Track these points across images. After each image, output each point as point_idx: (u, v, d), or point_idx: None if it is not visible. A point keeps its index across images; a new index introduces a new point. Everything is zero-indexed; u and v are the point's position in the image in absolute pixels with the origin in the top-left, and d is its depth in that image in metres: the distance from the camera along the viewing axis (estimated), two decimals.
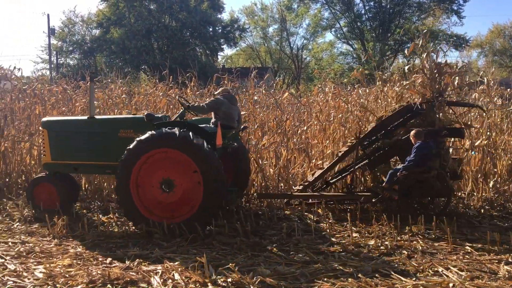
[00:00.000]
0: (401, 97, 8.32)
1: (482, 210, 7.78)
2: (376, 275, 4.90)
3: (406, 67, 8.41)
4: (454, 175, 7.43)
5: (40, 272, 4.94)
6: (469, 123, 8.64)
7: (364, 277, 4.76)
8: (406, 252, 5.67)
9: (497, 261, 5.36)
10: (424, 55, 7.75)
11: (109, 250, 5.78)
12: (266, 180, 8.69)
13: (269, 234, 6.54)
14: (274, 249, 5.84)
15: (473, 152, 8.40)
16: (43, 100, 10.78)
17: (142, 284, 4.63)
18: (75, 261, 5.28)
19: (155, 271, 4.90)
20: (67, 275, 4.83)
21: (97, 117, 7.52)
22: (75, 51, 44.79)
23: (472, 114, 8.84)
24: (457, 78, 8.09)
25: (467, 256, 5.56)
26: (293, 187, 8.46)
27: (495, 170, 8.47)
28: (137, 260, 5.27)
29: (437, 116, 7.35)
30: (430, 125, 7.36)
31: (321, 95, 10.79)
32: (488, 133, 8.52)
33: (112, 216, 7.14)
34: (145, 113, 6.90)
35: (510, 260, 5.38)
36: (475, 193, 8.35)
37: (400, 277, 4.82)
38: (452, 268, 5.10)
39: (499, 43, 58.07)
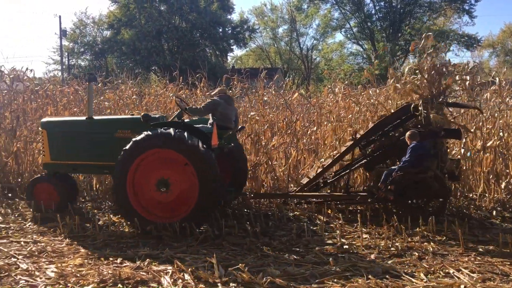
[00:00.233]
0: (401, 96, 8.27)
1: (494, 212, 7.70)
2: (387, 276, 4.87)
3: (407, 67, 8.36)
4: (452, 176, 7.40)
5: (52, 271, 4.98)
6: (480, 124, 8.57)
7: (374, 279, 4.74)
8: (417, 254, 5.63)
9: (509, 263, 5.31)
10: (425, 55, 7.70)
11: (120, 250, 5.82)
12: (276, 181, 8.69)
13: (278, 234, 6.53)
14: (284, 249, 5.84)
15: (468, 154, 8.35)
16: (55, 101, 10.89)
17: (152, 284, 4.66)
18: (86, 260, 5.32)
19: (165, 271, 4.93)
20: (78, 275, 4.87)
21: (95, 117, 7.60)
22: (86, 52, 45.20)
23: (484, 115, 8.76)
24: (468, 78, 8.03)
25: (478, 258, 5.52)
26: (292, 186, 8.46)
27: (507, 171, 8.40)
28: (147, 260, 5.29)
29: (435, 116, 7.31)
30: (427, 126, 7.34)
31: (331, 96, 10.77)
32: (500, 133, 8.44)
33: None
34: (142, 114, 6.98)
35: None
36: (486, 194, 8.28)
37: (410, 278, 4.79)
38: (463, 270, 5.06)
39: (511, 43, 57.55)
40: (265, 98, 10.49)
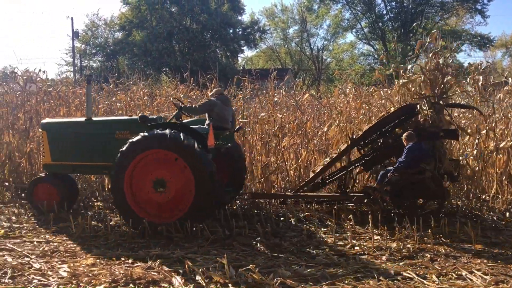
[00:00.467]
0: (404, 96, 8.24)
1: (507, 214, 7.61)
2: (398, 278, 4.85)
3: (409, 66, 8.31)
4: (451, 177, 7.37)
5: (64, 271, 5.03)
6: (493, 124, 8.48)
7: (385, 280, 4.72)
8: (429, 255, 5.59)
9: None
10: (430, 55, 7.64)
11: (131, 250, 5.85)
12: (287, 182, 8.68)
13: (289, 235, 6.53)
14: (295, 250, 5.83)
15: (466, 154, 8.28)
16: (67, 102, 10.99)
17: (163, 284, 4.68)
18: (98, 260, 5.36)
19: (176, 271, 4.95)
20: (90, 274, 4.91)
21: (94, 118, 7.69)
22: (98, 54, 45.56)
23: (496, 115, 8.67)
24: (481, 78, 7.96)
25: (491, 260, 5.46)
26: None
27: None
28: (158, 260, 5.32)
29: (435, 117, 7.27)
30: (427, 126, 7.31)
31: (341, 96, 10.73)
32: None
33: None
34: (139, 115, 7.03)
35: None
36: (499, 196, 8.19)
37: (422, 280, 4.76)
38: (476, 272, 5.01)
39: None
40: (276, 99, 10.49)
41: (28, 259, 5.48)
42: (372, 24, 48.94)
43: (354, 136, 7.76)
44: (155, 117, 7.36)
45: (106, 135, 7.19)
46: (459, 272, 5.02)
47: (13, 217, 7.51)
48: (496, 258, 5.54)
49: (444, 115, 7.52)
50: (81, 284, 4.70)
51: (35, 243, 6.20)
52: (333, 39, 54.20)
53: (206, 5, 41.72)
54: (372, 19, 48.62)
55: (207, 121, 7.22)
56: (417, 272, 4.99)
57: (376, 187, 7.18)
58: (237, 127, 8.06)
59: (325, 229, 6.82)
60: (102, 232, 6.54)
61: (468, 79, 8.76)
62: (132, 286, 4.64)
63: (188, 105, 7.70)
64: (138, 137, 6.33)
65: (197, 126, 7.11)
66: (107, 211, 8.13)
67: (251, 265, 4.88)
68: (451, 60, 7.64)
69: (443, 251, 5.75)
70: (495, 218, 7.43)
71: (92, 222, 6.87)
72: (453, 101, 8.14)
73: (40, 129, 8.06)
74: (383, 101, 9.22)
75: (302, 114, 10.07)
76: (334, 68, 49.82)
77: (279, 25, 55.12)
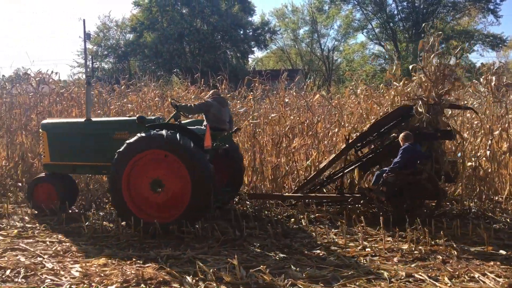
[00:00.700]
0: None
1: None
2: (410, 280, 4.82)
3: (410, 66, 8.26)
4: (448, 178, 7.35)
5: (77, 271, 5.07)
6: (506, 125, 8.39)
7: (397, 282, 4.69)
8: (441, 257, 5.54)
9: None
10: (432, 56, 7.58)
11: (143, 250, 5.88)
12: (298, 183, 8.66)
13: (300, 236, 6.52)
14: (305, 251, 5.82)
15: (458, 154, 8.21)
16: (80, 103, 11.08)
17: (174, 284, 4.70)
18: (110, 260, 5.40)
19: (187, 272, 4.96)
20: (102, 274, 4.95)
21: (93, 119, 7.77)
22: (110, 55, 45.90)
23: (510, 116, 8.58)
24: (493, 78, 7.88)
25: (504, 262, 5.39)
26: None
27: None
28: (169, 260, 5.35)
29: (432, 118, 7.24)
30: (426, 127, 7.30)
31: (352, 97, 10.69)
32: None
33: None
34: (137, 116, 7.10)
35: None
36: None
37: (434, 282, 4.72)
38: (489, 274, 4.96)
39: None
40: (286, 100, 10.48)
41: (41, 259, 5.54)
42: (383, 24, 48.68)
43: (348, 139, 7.80)
44: (153, 118, 7.43)
45: (105, 135, 7.28)
46: (472, 274, 4.97)
47: (26, 217, 7.58)
48: (509, 260, 5.47)
49: (441, 116, 7.50)
50: (93, 284, 4.74)
51: (47, 243, 6.26)
52: (344, 39, 54.06)
53: (217, 6, 41.84)
54: (383, 19, 48.36)
55: (205, 122, 7.28)
56: (429, 274, 4.95)
57: (372, 188, 7.21)
58: (235, 128, 8.12)
59: (336, 231, 6.80)
60: (114, 233, 6.59)
61: (481, 80, 8.69)
62: (144, 286, 4.67)
63: (184, 104, 7.76)
64: (135, 138, 6.40)
65: (195, 127, 7.17)
66: None
67: (261, 266, 4.89)
68: (452, 61, 7.60)
69: (455, 253, 5.69)
70: (508, 220, 7.34)
71: (104, 222, 6.91)
72: (455, 102, 8.10)
73: (40, 130, 8.16)
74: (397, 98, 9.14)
75: (312, 115, 10.05)
76: (345, 69, 49.64)
77: (289, 25, 55.07)
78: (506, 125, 8.41)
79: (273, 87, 11.49)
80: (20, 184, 9.80)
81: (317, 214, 7.70)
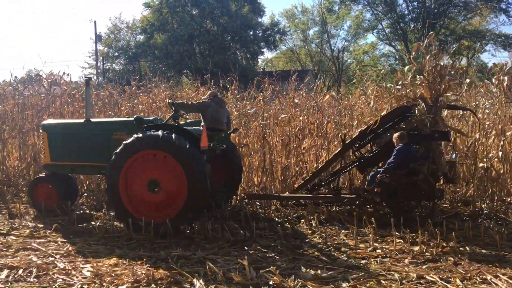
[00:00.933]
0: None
1: None
2: (421, 281, 4.79)
3: (406, 68, 8.21)
4: (446, 178, 7.33)
5: (88, 270, 5.11)
6: None
7: (408, 284, 4.66)
8: (452, 259, 5.50)
9: None
10: (428, 57, 7.52)
11: (153, 250, 5.91)
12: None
13: (310, 237, 6.50)
14: (315, 252, 5.80)
15: (453, 156, 8.13)
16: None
17: (185, 284, 4.71)
18: (121, 260, 5.43)
19: (197, 272, 4.98)
20: (113, 274, 4.98)
21: (92, 120, 7.84)
22: (121, 57, 46.11)
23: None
24: (506, 78, 7.80)
25: None
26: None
27: None
28: (180, 261, 5.37)
29: (431, 118, 7.18)
30: (424, 128, 7.26)
31: (362, 98, 10.64)
32: None
33: None
34: (135, 116, 7.16)
35: None
36: None
37: (446, 284, 4.69)
38: (501, 276, 4.91)
39: None
40: (296, 101, 10.47)
41: (53, 258, 5.59)
42: (394, 24, 48.40)
43: (345, 140, 7.84)
44: (151, 118, 7.50)
45: (104, 136, 7.34)
46: (484, 276, 4.92)
47: (38, 217, 7.65)
48: None
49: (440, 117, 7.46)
50: (104, 283, 4.77)
51: (59, 243, 6.31)
52: (354, 40, 53.83)
53: (227, 7, 41.90)
54: (394, 19, 48.07)
55: (202, 123, 7.32)
56: (440, 276, 4.91)
57: (367, 188, 7.22)
58: (232, 128, 8.16)
59: (346, 232, 6.78)
60: (125, 233, 6.62)
61: (493, 80, 8.61)
62: (154, 286, 4.69)
63: (180, 101, 7.80)
64: (132, 138, 6.47)
65: (193, 128, 7.24)
66: None
67: (271, 267, 4.89)
68: (451, 61, 7.56)
69: (467, 254, 5.65)
70: None
71: (115, 222, 6.95)
72: (454, 103, 8.05)
73: (40, 130, 8.23)
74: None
75: (322, 115, 10.03)
76: (355, 69, 49.41)
77: (299, 26, 54.96)
78: None
79: (283, 88, 11.48)
80: None
81: (326, 215, 7.67)
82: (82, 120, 7.88)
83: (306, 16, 54.86)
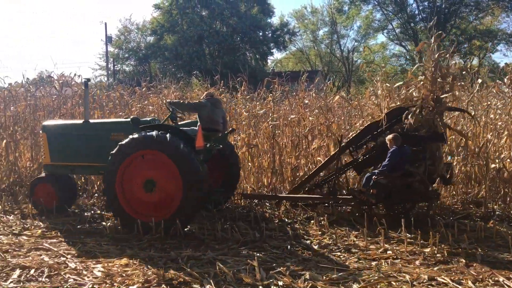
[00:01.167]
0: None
1: None
2: (432, 283, 4.75)
3: (413, 68, 8.15)
4: (443, 180, 7.30)
5: (99, 271, 5.14)
6: None
7: (419, 285, 4.63)
8: (464, 260, 5.45)
9: None
10: (429, 57, 7.45)
11: (164, 250, 5.93)
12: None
13: (320, 238, 6.48)
14: (325, 253, 5.79)
15: (449, 157, 8.04)
16: (101, 105, 11.25)
17: (195, 285, 4.72)
18: (131, 261, 5.45)
19: (207, 273, 4.99)
20: (124, 275, 5.01)
21: (91, 121, 7.92)
22: (131, 58, 46.40)
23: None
24: None
25: None
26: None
27: None
28: (190, 261, 5.38)
29: (430, 120, 7.14)
30: (423, 129, 7.23)
31: (373, 98, 10.58)
32: None
33: None
34: (132, 117, 7.23)
35: None
36: None
37: (458, 286, 4.65)
38: None
39: None
40: (306, 101, 10.45)
41: (64, 258, 5.63)
42: (404, 24, 48.11)
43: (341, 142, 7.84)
44: (149, 119, 7.53)
45: (102, 136, 7.39)
46: (496, 278, 4.88)
47: (50, 217, 7.71)
48: None
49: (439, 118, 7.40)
50: (115, 283, 4.80)
51: (70, 243, 6.36)
52: (364, 40, 53.56)
53: (236, 8, 41.99)
54: (404, 19, 47.79)
55: (198, 123, 7.35)
56: (452, 278, 4.87)
57: (362, 190, 7.19)
58: (229, 128, 8.19)
59: (357, 233, 6.75)
60: (135, 233, 6.64)
61: (505, 80, 8.53)
62: (164, 286, 4.71)
63: (176, 100, 7.84)
64: (128, 139, 6.52)
65: (189, 128, 7.28)
66: None
67: (281, 268, 4.89)
68: (452, 62, 7.48)
69: (479, 256, 5.59)
70: None
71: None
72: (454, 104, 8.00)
73: (40, 131, 8.29)
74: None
75: (332, 116, 9.99)
76: (365, 70, 49.21)
77: (308, 27, 54.84)
78: None
79: (292, 89, 11.47)
80: None
81: (336, 216, 7.65)
82: (81, 121, 7.96)
83: (316, 16, 54.77)
